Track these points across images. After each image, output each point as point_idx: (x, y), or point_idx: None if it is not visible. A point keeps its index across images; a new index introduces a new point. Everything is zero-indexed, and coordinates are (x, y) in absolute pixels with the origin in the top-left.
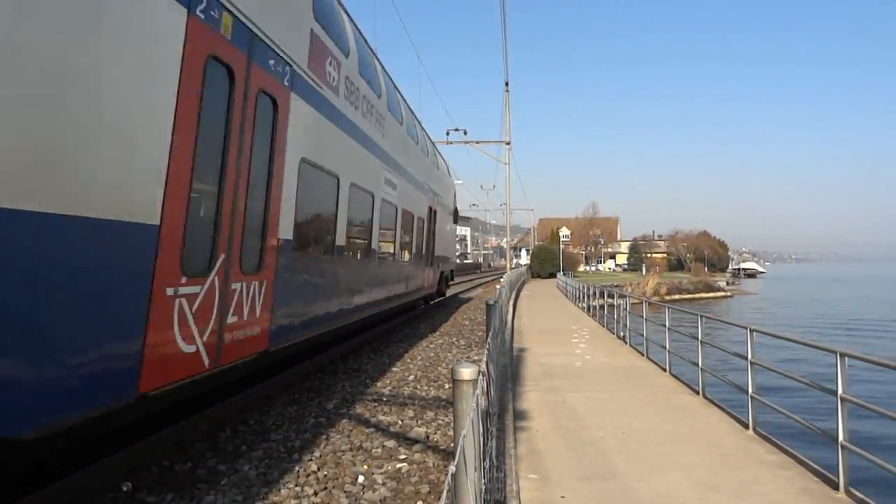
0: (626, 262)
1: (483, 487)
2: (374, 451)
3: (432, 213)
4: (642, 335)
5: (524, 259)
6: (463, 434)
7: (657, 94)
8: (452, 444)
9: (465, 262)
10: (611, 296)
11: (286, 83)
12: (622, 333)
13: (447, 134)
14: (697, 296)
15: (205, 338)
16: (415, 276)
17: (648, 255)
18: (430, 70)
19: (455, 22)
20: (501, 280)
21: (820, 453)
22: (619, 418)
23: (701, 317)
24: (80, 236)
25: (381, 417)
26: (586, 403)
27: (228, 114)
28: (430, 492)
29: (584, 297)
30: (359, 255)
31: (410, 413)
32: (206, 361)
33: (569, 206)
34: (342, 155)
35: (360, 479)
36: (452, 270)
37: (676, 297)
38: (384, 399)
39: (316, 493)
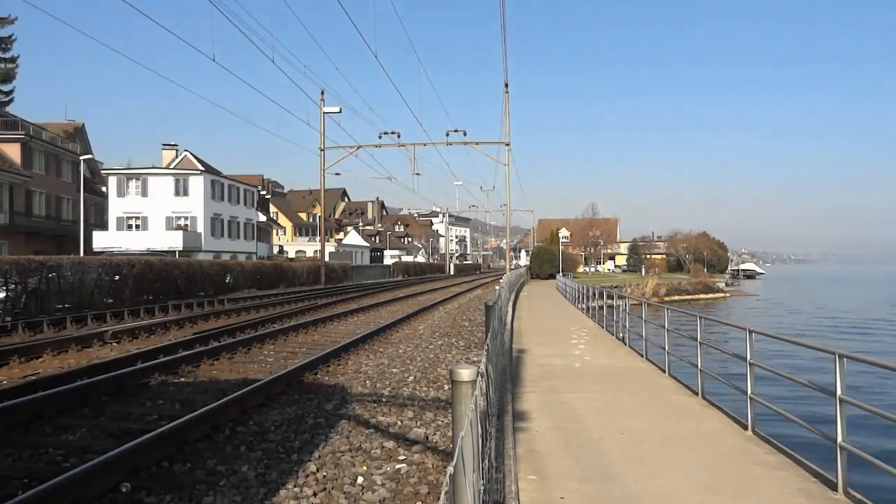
0: (625, 263)
1: (482, 488)
2: (373, 451)
3: None
4: (641, 336)
5: (524, 260)
6: (462, 435)
7: (657, 93)
8: (451, 445)
9: (465, 262)
10: (610, 297)
11: None
12: (621, 334)
13: (447, 135)
14: (696, 297)
15: None
16: None
17: (648, 256)
18: (430, 71)
19: (455, 22)
20: (501, 281)
21: (819, 454)
22: (618, 419)
23: (700, 318)
24: None
25: (381, 418)
26: (585, 404)
27: None
28: (429, 493)
29: (583, 298)
30: None
31: (410, 414)
32: None
33: (568, 207)
34: None
35: (360, 479)
36: None
37: (676, 298)
38: (383, 400)
39: (315, 494)
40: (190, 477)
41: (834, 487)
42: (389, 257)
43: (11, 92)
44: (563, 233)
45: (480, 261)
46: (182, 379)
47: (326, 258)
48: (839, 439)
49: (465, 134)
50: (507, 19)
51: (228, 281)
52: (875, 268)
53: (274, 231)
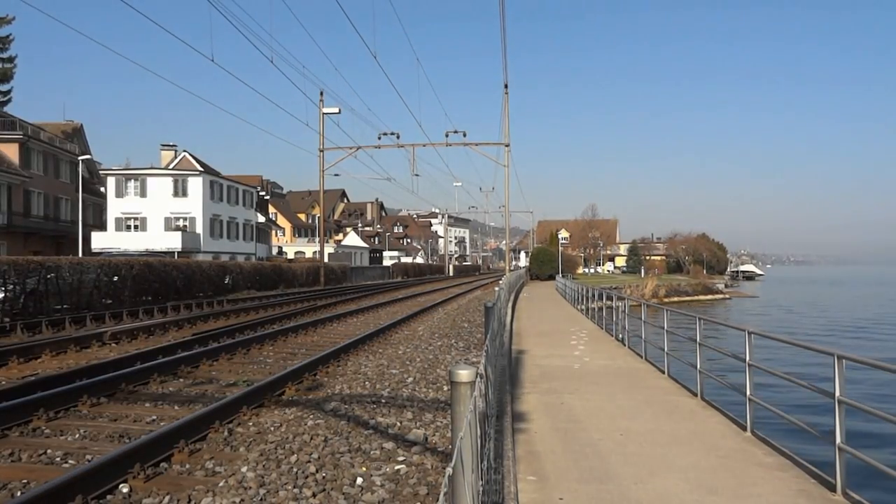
0: (624, 264)
1: (481, 489)
2: (372, 452)
3: None
4: (641, 337)
5: (523, 261)
6: (461, 436)
7: (657, 94)
8: (450, 446)
9: (465, 264)
10: (609, 298)
11: None
12: (621, 336)
13: (446, 136)
14: (696, 298)
15: None
16: None
17: (647, 257)
18: (430, 72)
19: (455, 23)
20: (500, 282)
21: (817, 455)
22: (617, 420)
23: (699, 319)
24: None
25: (380, 419)
26: (585, 405)
27: None
28: (428, 493)
29: (582, 299)
30: None
31: (409, 415)
32: None
33: (568, 208)
34: None
35: (359, 480)
36: None
37: (675, 299)
38: (383, 401)
39: (314, 495)
40: (189, 478)
41: (833, 489)
42: (389, 258)
43: (9, 92)
44: (563, 234)
45: (480, 262)
46: (181, 379)
47: (325, 259)
48: (838, 440)
49: (464, 135)
50: (506, 20)
51: (227, 282)
52: (875, 269)
53: (273, 232)
